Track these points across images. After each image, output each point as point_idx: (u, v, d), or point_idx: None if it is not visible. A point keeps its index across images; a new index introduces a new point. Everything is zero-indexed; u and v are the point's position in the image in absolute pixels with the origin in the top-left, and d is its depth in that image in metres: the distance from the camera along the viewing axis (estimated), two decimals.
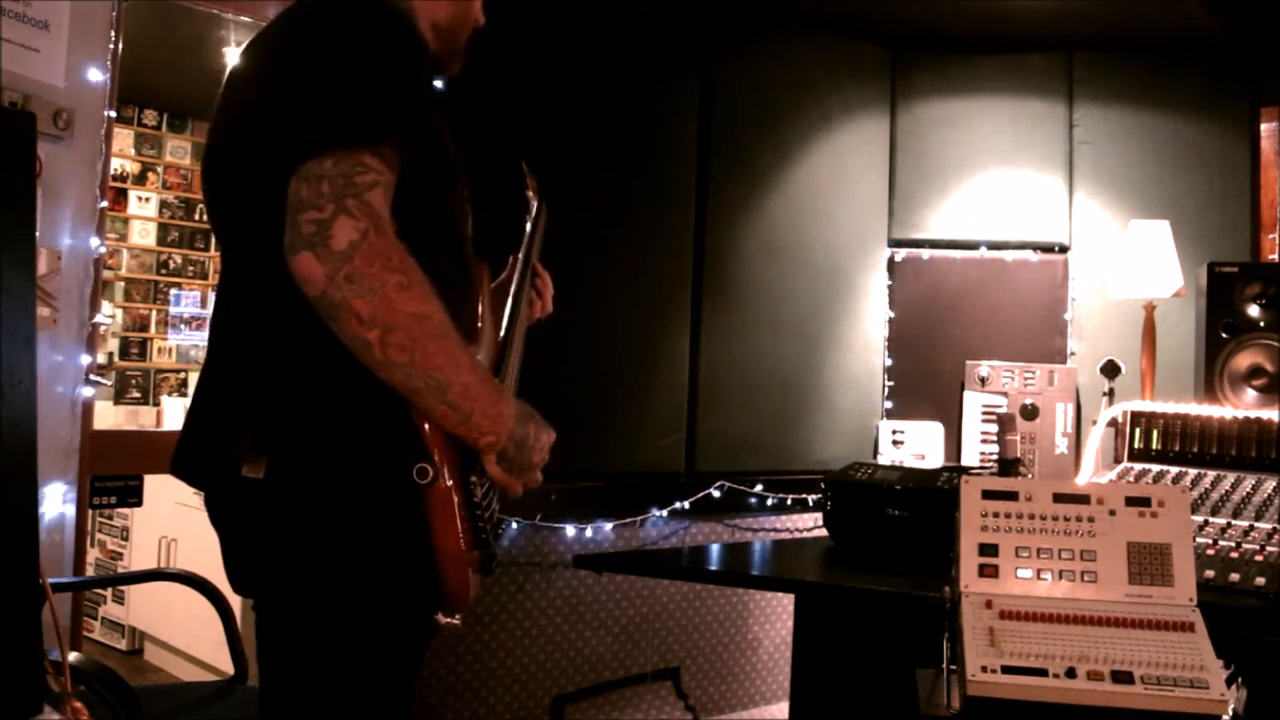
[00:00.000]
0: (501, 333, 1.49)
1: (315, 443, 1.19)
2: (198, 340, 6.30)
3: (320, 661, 1.22)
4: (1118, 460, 2.42)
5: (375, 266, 1.09)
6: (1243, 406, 2.52)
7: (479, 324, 1.39)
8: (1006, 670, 1.35)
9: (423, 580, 1.21)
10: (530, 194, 1.71)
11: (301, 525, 1.20)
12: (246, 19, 2.90)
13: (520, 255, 1.62)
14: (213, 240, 6.61)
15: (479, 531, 1.25)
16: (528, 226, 1.67)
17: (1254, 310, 2.62)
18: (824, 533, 2.37)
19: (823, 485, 2.32)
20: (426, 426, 1.17)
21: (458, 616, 1.31)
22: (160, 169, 6.27)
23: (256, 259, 1.24)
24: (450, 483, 1.18)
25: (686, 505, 3.09)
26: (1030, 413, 3.18)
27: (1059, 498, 1.55)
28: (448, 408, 1.16)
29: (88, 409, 2.35)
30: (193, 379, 6.30)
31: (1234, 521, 2.00)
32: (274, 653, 1.26)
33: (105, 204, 2.38)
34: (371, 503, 1.19)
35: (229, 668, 2.13)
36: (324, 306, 1.10)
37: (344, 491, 1.19)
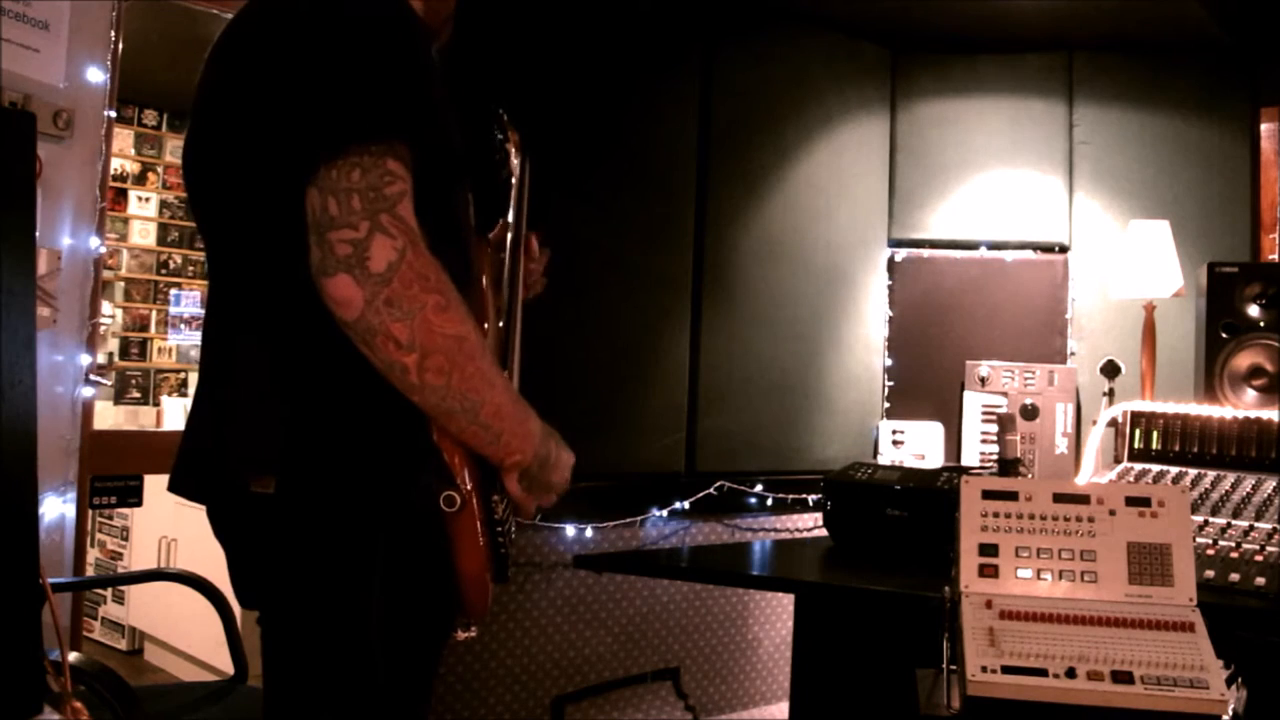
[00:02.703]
0: (502, 321, 1.43)
1: (331, 459, 1.15)
2: (198, 340, 6.28)
3: (332, 677, 1.19)
4: (1118, 460, 2.42)
5: (414, 288, 1.06)
6: (1243, 406, 2.52)
7: (484, 322, 1.34)
8: (1006, 670, 1.35)
9: (443, 599, 1.19)
10: (511, 149, 1.58)
11: (316, 542, 1.16)
12: None
13: (509, 221, 1.52)
14: None
15: (498, 546, 1.23)
16: (512, 193, 1.56)
17: (1254, 310, 2.62)
18: (824, 533, 2.37)
19: (823, 485, 2.32)
20: (447, 446, 1.13)
21: (473, 628, 1.30)
22: (160, 169, 6.27)
23: (262, 268, 1.19)
24: (475, 506, 1.15)
25: (686, 505, 3.09)
26: (1030, 413, 3.18)
27: (1059, 498, 1.55)
28: (479, 428, 1.12)
29: (88, 409, 2.35)
30: (193, 379, 6.29)
31: (1234, 521, 2.00)
32: (282, 667, 1.23)
33: (105, 204, 2.38)
34: (392, 525, 1.16)
35: (229, 668, 2.13)
36: (359, 331, 1.06)
37: (363, 512, 1.16)
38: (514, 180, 1.56)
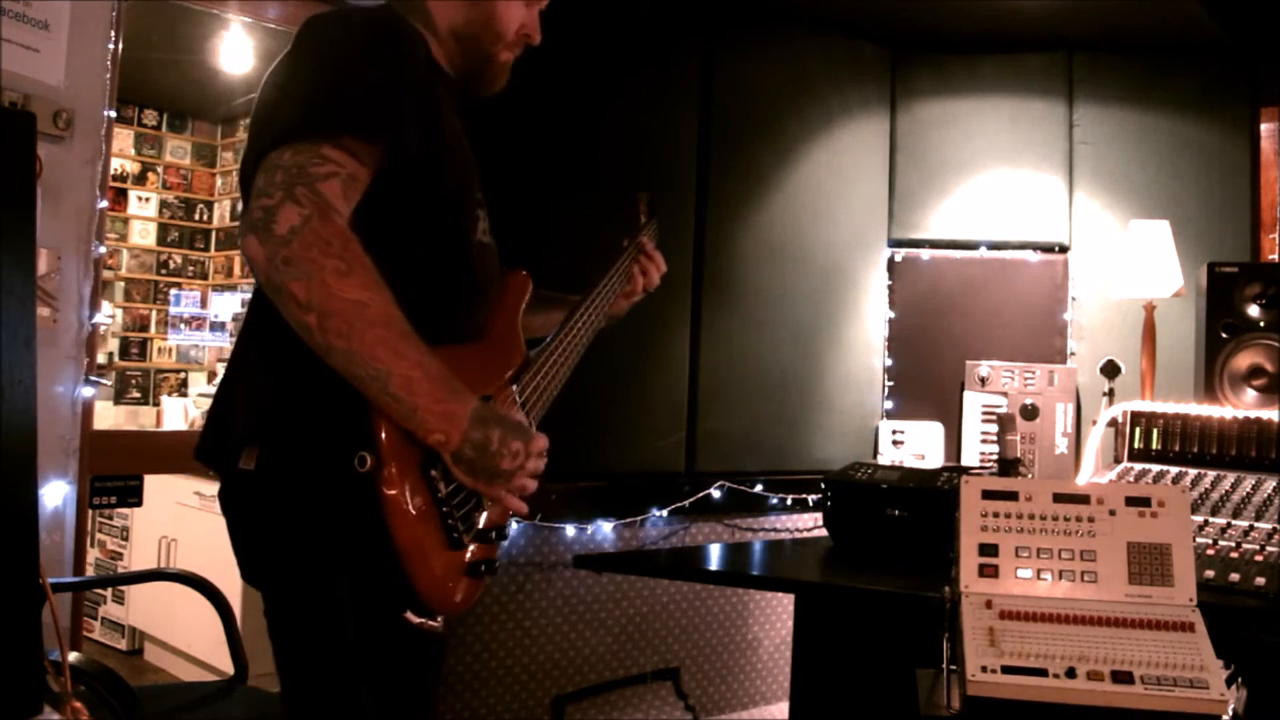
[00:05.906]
0: (546, 344, 1.52)
1: (287, 437, 1.22)
2: (198, 340, 6.31)
3: (297, 652, 1.26)
4: (1118, 460, 2.42)
5: (313, 251, 1.11)
6: (1243, 406, 2.52)
7: (487, 327, 1.41)
8: (1006, 670, 1.35)
9: (387, 574, 1.19)
10: (641, 216, 1.90)
11: (275, 519, 1.23)
12: (246, 19, 2.90)
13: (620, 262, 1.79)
14: (213, 240, 6.62)
15: (450, 530, 1.23)
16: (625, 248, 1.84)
17: (1254, 310, 2.62)
18: (824, 533, 2.37)
19: (823, 485, 2.32)
20: (379, 416, 1.17)
21: (439, 619, 1.28)
22: (160, 169, 6.27)
23: None
24: (396, 472, 1.16)
25: (686, 505, 3.09)
26: (1030, 413, 3.18)
27: (1059, 498, 1.55)
28: (390, 399, 1.15)
29: (88, 409, 2.35)
30: (193, 379, 6.30)
31: (1234, 521, 2.00)
32: (274, 641, 1.30)
33: (105, 204, 2.38)
34: (327, 496, 1.19)
35: (229, 668, 2.13)
36: (269, 290, 1.14)
37: (303, 484, 1.20)
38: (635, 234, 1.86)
